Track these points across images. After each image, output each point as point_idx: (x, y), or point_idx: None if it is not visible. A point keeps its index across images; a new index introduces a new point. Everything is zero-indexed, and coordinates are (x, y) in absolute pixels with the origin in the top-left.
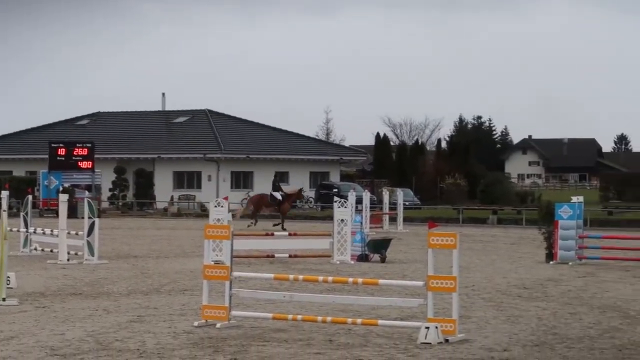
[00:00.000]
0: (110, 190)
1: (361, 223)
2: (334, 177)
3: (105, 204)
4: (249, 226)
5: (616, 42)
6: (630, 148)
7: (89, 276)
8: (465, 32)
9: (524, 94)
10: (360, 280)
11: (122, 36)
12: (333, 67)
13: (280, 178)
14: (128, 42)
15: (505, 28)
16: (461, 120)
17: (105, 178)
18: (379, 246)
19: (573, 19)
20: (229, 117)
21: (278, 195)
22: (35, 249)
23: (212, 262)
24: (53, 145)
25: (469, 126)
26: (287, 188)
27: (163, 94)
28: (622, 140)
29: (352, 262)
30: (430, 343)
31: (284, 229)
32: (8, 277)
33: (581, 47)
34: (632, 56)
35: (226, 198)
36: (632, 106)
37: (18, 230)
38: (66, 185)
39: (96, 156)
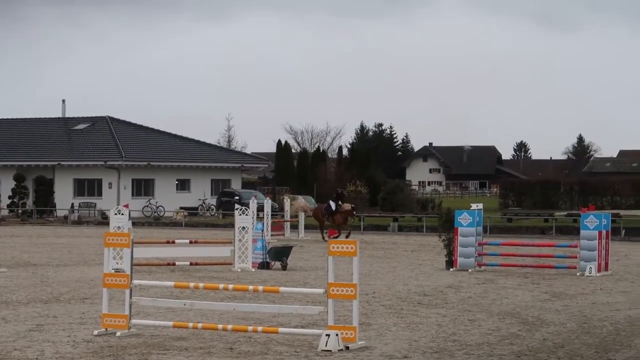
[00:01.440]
0: (9, 197)
1: (262, 230)
2: (236, 185)
3: (4, 212)
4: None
5: (513, 51)
6: (529, 155)
7: None
8: (363, 39)
9: (424, 101)
10: (261, 288)
11: (20, 41)
12: (234, 74)
13: (182, 185)
14: (27, 48)
15: (401, 36)
16: (362, 127)
17: (5, 186)
18: (280, 254)
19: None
20: (129, 124)
21: (333, 205)
22: None
23: (113, 270)
24: None
25: (370, 133)
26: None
27: (63, 101)
28: (521, 147)
29: (253, 269)
30: (330, 350)
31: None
32: None
33: (476, 54)
34: (532, 65)
35: (127, 205)
36: (531, 114)
37: None
38: None
39: None
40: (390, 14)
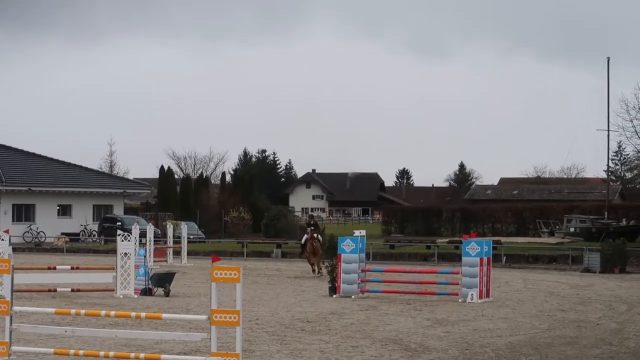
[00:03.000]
0: None
1: (145, 256)
2: (118, 210)
3: None
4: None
5: (392, 79)
6: (411, 182)
7: None
8: (242, 65)
9: (308, 128)
10: (143, 314)
11: None
12: (116, 98)
13: (64, 211)
14: None
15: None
16: (246, 153)
17: None
18: (163, 280)
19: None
20: (10, 148)
21: (306, 234)
22: None
23: None
24: None
25: (254, 159)
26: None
27: None
28: (403, 174)
29: (136, 296)
30: None
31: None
32: None
33: (358, 80)
34: (413, 92)
35: (7, 231)
36: (413, 141)
37: None
38: None
39: None
40: (265, 38)
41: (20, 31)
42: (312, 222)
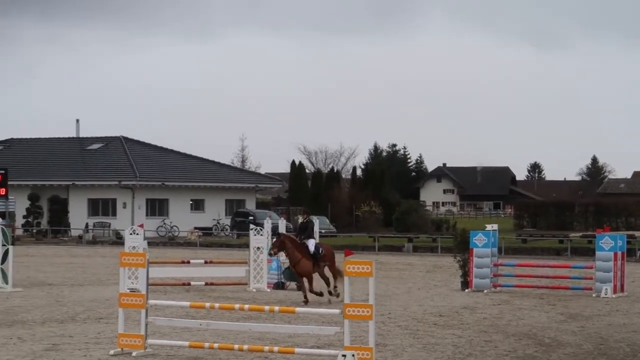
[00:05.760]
0: (24, 217)
1: None
2: (250, 205)
3: (19, 231)
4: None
5: (517, 70)
6: (543, 176)
7: (3, 304)
8: (376, 60)
9: (438, 122)
10: (277, 308)
11: (36, 60)
12: (248, 94)
13: (196, 205)
14: (40, 66)
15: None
16: (376, 148)
17: (19, 205)
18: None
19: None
20: (144, 144)
21: (311, 245)
22: None
23: (128, 290)
24: None
25: (384, 154)
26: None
27: (77, 120)
28: (535, 168)
29: (269, 290)
30: None
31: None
32: None
33: (489, 74)
34: (544, 85)
35: (142, 225)
36: (545, 135)
37: None
38: None
39: (9, 183)
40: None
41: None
42: (305, 221)
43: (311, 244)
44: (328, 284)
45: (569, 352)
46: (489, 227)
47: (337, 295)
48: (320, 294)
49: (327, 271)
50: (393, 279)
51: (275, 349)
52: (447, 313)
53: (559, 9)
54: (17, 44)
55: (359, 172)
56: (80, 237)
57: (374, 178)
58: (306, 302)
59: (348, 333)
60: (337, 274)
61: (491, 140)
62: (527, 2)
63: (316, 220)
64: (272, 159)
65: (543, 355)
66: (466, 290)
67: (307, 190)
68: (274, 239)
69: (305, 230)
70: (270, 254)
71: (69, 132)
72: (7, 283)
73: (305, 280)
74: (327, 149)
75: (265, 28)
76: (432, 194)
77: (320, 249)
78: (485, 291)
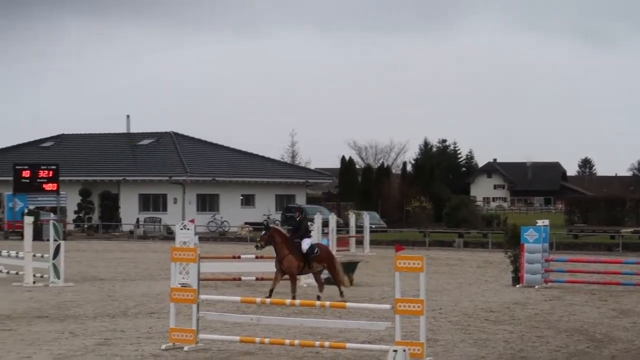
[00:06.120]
0: (75, 212)
1: (328, 246)
2: (300, 200)
3: (70, 227)
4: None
5: (569, 66)
6: (594, 172)
7: (55, 299)
8: (423, 56)
9: (488, 117)
10: (327, 303)
11: (86, 56)
12: (298, 89)
13: (247, 200)
14: (91, 63)
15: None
16: (426, 143)
17: (71, 200)
18: (346, 269)
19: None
20: (194, 139)
21: (306, 244)
22: (1, 271)
23: (179, 285)
24: (17, 167)
25: (434, 149)
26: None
27: (128, 116)
28: (586, 164)
29: None
30: None
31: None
32: None
33: (536, 69)
34: (595, 80)
35: (192, 221)
36: (596, 130)
37: None
38: (31, 207)
39: (61, 178)
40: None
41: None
42: (299, 219)
43: (306, 243)
44: (321, 289)
45: (620, 348)
46: (540, 222)
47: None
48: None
49: (322, 278)
50: (444, 275)
51: (326, 344)
52: (498, 309)
53: (609, 6)
54: (68, 39)
55: (409, 167)
56: (131, 232)
57: (424, 173)
58: (269, 296)
59: (399, 328)
60: (338, 279)
61: (541, 135)
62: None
63: (366, 216)
64: (322, 154)
65: (595, 351)
66: (517, 285)
67: (357, 185)
68: (263, 232)
69: (299, 229)
70: (256, 247)
71: (120, 128)
72: (59, 278)
73: (279, 277)
74: (377, 144)
75: (313, 25)
76: (483, 190)
77: (316, 249)
78: (536, 287)
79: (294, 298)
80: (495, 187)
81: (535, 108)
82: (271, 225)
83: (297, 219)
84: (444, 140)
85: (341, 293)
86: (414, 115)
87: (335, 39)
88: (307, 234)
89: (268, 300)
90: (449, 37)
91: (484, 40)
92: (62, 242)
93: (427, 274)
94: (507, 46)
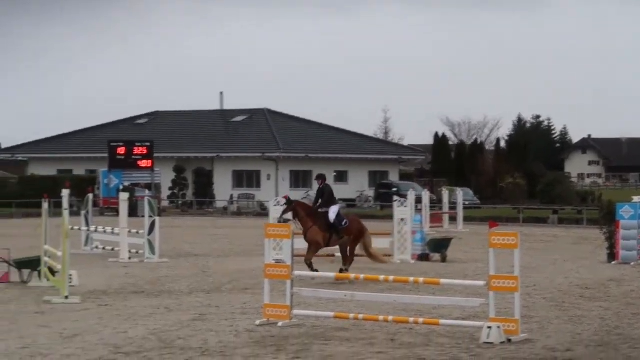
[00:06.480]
0: (169, 189)
1: (421, 222)
2: (393, 177)
3: (165, 203)
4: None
5: None
6: None
7: (150, 274)
8: (515, 30)
9: (582, 93)
10: (421, 279)
11: (177, 34)
12: (391, 66)
13: (340, 177)
14: (185, 40)
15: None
16: (520, 119)
17: (165, 177)
18: (440, 246)
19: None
20: (287, 116)
21: (332, 214)
22: (97, 247)
23: (273, 261)
24: (113, 144)
25: (528, 125)
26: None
27: (221, 93)
28: None
29: (413, 261)
30: (492, 343)
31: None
32: (70, 275)
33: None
34: None
35: (286, 197)
36: None
37: (79, 229)
38: (126, 184)
39: (155, 155)
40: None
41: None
42: (321, 187)
43: (332, 212)
44: (345, 262)
45: None
46: (635, 199)
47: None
48: (313, 269)
49: (348, 248)
50: (538, 251)
51: (420, 320)
52: (594, 285)
53: None
54: (162, 18)
55: (502, 143)
56: (225, 208)
57: (517, 150)
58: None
59: (493, 305)
60: (370, 254)
61: (637, 111)
62: None
63: (460, 192)
64: (416, 130)
65: None
66: (613, 262)
67: (451, 162)
68: (285, 208)
69: (322, 196)
70: (279, 221)
71: (213, 105)
72: (154, 254)
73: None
74: (471, 120)
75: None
76: (577, 166)
77: (345, 220)
78: (632, 263)
79: (309, 265)
80: (589, 163)
81: (630, 83)
82: (293, 200)
83: (320, 186)
84: (538, 117)
85: (346, 269)
86: (507, 91)
87: (428, 14)
88: (332, 202)
89: (362, 276)
90: (544, 9)
91: (579, 13)
92: (157, 219)
93: (521, 250)
94: (601, 19)
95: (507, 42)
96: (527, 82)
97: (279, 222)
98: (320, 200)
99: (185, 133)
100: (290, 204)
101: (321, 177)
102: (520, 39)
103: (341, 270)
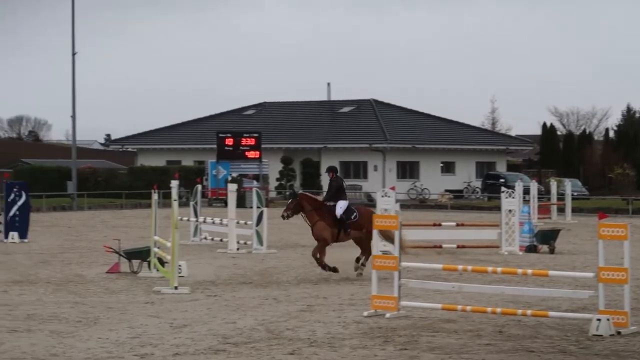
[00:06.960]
0: (277, 180)
1: (529, 213)
2: (501, 167)
3: (272, 194)
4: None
5: None
6: None
7: (259, 265)
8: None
9: None
10: (529, 271)
11: (285, 25)
12: (498, 56)
13: (447, 168)
14: (291, 32)
15: None
16: (629, 109)
17: (272, 168)
18: (548, 237)
19: None
20: (393, 106)
21: (340, 208)
22: (205, 238)
23: (381, 253)
24: (221, 135)
25: (637, 115)
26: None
27: (328, 84)
28: None
29: (521, 252)
30: (602, 335)
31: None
32: (180, 266)
33: None
34: None
35: (393, 188)
36: None
37: (188, 220)
38: (234, 175)
39: (263, 146)
40: None
41: None
42: (331, 180)
43: (340, 207)
44: (363, 254)
45: None
46: None
47: (356, 269)
48: (328, 268)
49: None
50: None
51: (529, 312)
52: None
53: None
54: (267, 11)
55: (611, 133)
56: None
57: (626, 140)
58: (333, 271)
59: (602, 297)
60: (367, 248)
61: None
62: None
63: (568, 183)
64: (523, 121)
65: None
66: None
67: (559, 152)
68: (290, 201)
69: (329, 190)
70: (283, 217)
71: (320, 96)
72: (262, 244)
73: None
74: (579, 110)
75: None
76: None
77: (354, 214)
78: None
79: (320, 264)
80: None
81: None
82: (299, 192)
83: (330, 179)
84: None
85: (361, 265)
86: (617, 81)
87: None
88: (341, 196)
89: (470, 267)
90: None
91: None
92: (265, 209)
93: (631, 242)
94: None
95: (614, 31)
96: (637, 71)
97: (283, 216)
98: (328, 195)
99: (292, 124)
100: (295, 197)
101: (332, 170)
102: (631, 28)
103: (357, 260)
